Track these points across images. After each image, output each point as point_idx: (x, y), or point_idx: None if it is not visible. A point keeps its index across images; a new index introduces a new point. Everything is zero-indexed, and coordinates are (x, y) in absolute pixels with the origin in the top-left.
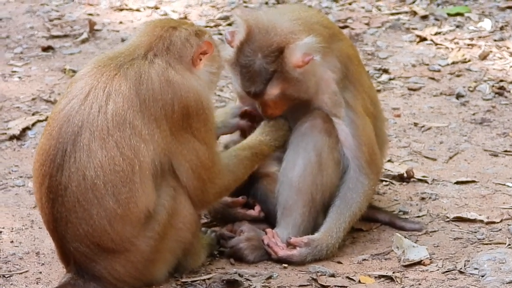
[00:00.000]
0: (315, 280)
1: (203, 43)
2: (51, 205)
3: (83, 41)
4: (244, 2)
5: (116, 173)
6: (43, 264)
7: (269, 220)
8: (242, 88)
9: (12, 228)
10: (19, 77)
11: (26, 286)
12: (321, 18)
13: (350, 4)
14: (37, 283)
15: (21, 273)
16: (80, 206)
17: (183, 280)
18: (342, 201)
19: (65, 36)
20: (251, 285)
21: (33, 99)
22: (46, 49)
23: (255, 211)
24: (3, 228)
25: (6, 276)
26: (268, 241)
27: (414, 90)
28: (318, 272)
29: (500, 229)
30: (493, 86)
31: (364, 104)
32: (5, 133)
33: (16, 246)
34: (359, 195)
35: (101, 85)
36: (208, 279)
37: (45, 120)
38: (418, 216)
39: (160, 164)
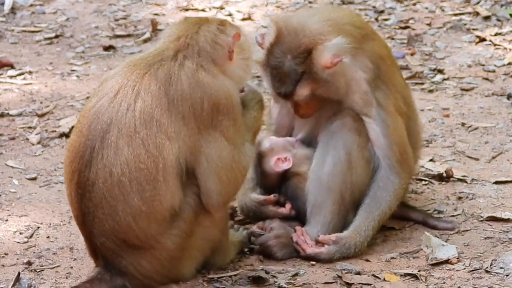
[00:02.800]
0: (340, 277)
1: (232, 38)
2: (79, 200)
3: (145, 41)
4: (310, 2)
5: (140, 170)
6: (75, 259)
7: (300, 218)
8: (272, 89)
9: (50, 224)
10: (77, 76)
11: (55, 280)
12: (352, 19)
13: (414, 4)
14: (66, 278)
15: (53, 267)
16: (106, 202)
17: (210, 276)
18: (372, 199)
19: (128, 35)
20: (276, 282)
21: (87, 97)
22: (107, 48)
23: (286, 209)
24: (41, 223)
25: (38, 270)
26: (297, 238)
27: (467, 90)
28: (344, 269)
29: None
30: None
31: (397, 103)
32: (55, 131)
33: (51, 242)
34: (389, 194)
35: (131, 84)
36: (235, 275)
37: None
38: (453, 216)
39: (185, 163)
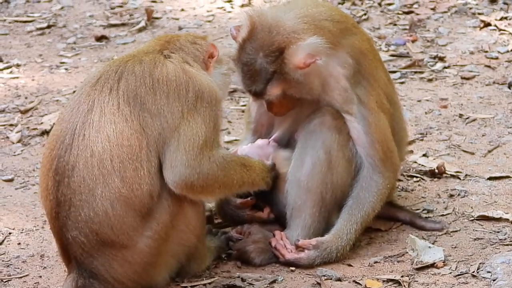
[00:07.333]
0: (319, 284)
1: (209, 45)
2: (56, 188)
3: (140, 30)
4: None
5: (123, 147)
6: (45, 267)
7: (280, 221)
8: (243, 87)
9: (23, 229)
10: (66, 69)
11: None
12: (332, 13)
13: None
14: None
15: (21, 277)
16: (85, 186)
17: (183, 285)
18: (355, 201)
19: (123, 24)
20: None
21: (74, 91)
22: (99, 38)
23: (264, 213)
24: (13, 229)
25: (5, 280)
26: (276, 243)
27: (467, 79)
28: (324, 275)
29: None
30: None
31: (379, 100)
32: (37, 128)
33: (22, 249)
34: (372, 195)
35: (114, 68)
36: (209, 283)
37: None
38: (443, 215)
39: (163, 144)
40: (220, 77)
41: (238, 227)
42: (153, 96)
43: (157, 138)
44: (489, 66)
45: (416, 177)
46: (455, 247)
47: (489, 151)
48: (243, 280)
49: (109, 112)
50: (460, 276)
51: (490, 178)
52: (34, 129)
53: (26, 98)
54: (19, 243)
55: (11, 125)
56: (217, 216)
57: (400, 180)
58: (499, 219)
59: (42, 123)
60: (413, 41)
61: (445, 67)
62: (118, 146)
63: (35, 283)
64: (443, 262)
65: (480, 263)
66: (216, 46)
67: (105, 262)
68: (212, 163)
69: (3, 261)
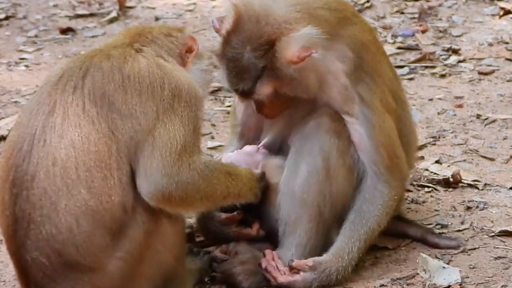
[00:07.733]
0: None
1: (186, 37)
2: (13, 202)
3: (111, 21)
4: None
5: (90, 154)
6: None
7: (272, 239)
8: (229, 85)
9: None
10: (26, 66)
11: None
12: (329, 0)
13: None
14: None
15: None
16: (46, 199)
17: None
18: (357, 215)
19: (91, 15)
20: None
21: (35, 92)
22: (64, 31)
23: (253, 230)
24: None
25: None
26: (267, 264)
27: (485, 74)
28: None
29: None
30: None
31: (384, 98)
32: None
33: None
34: (377, 208)
35: (78, 64)
36: None
37: None
38: (459, 230)
39: (135, 149)
40: (200, 73)
41: (223, 246)
42: (124, 94)
43: (128, 142)
44: (510, 60)
45: (428, 187)
46: (473, 268)
47: (511, 157)
48: None
49: (73, 114)
50: None
51: None
52: None
53: None
54: None
55: None
56: (199, 233)
57: (409, 191)
58: None
59: None
60: (423, 32)
61: (460, 61)
62: (84, 153)
63: None
64: (460, 284)
65: (502, 286)
66: (195, 39)
67: (70, 287)
68: (193, 170)
69: None
